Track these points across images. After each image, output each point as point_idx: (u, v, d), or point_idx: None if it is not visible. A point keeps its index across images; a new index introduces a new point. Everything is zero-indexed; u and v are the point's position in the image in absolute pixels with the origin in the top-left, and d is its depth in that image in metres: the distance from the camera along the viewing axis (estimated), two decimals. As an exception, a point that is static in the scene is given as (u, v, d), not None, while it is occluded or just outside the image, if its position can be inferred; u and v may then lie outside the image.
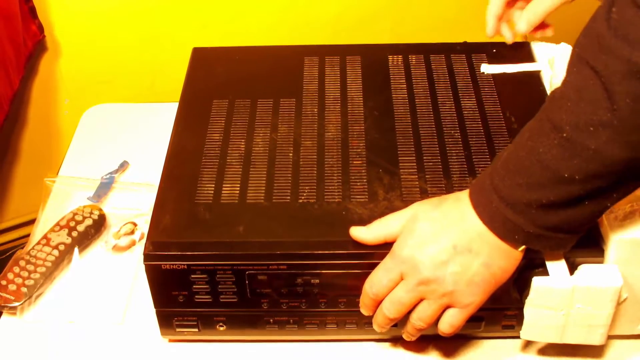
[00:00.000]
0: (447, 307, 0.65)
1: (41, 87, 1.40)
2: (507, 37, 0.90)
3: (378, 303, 0.66)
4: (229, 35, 1.40)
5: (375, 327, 0.68)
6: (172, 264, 0.68)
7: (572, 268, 0.66)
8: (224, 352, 0.75)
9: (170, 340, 0.77)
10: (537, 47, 0.90)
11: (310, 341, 0.76)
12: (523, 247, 0.63)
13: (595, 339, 0.68)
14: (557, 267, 0.66)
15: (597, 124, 0.54)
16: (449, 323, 0.65)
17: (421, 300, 0.65)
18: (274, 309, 0.71)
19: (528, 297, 0.66)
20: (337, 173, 0.75)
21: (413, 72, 0.88)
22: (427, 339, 0.75)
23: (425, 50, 0.92)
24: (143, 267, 0.68)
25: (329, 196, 0.72)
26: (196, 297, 0.70)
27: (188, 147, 0.79)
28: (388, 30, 1.50)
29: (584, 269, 0.66)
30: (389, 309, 0.65)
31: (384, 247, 0.67)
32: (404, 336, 0.69)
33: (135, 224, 0.87)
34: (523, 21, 0.87)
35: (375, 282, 0.65)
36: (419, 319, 0.65)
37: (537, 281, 0.65)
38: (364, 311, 0.68)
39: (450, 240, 0.63)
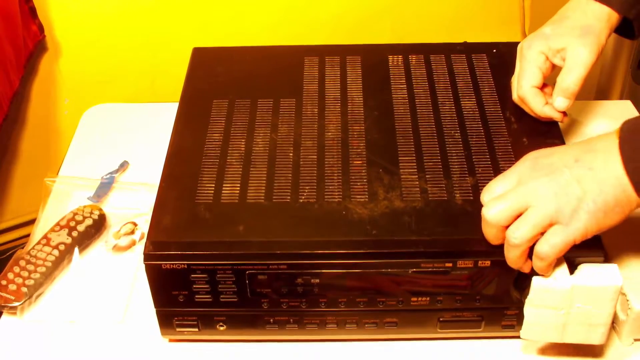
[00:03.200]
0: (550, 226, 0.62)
1: (41, 87, 1.40)
2: (557, 116, 0.80)
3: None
4: (229, 35, 1.40)
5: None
6: (172, 264, 0.68)
7: (572, 267, 0.66)
8: (224, 352, 0.75)
9: (171, 340, 0.77)
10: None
11: (310, 341, 0.76)
12: None
13: (596, 338, 0.68)
14: (557, 266, 0.66)
15: None
16: (546, 240, 0.62)
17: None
18: (274, 309, 0.71)
19: (528, 297, 0.66)
20: (337, 173, 0.75)
21: (413, 72, 0.88)
22: (427, 340, 0.75)
23: (425, 50, 0.92)
24: (143, 266, 0.68)
25: (329, 196, 0.72)
26: (196, 296, 0.70)
27: (188, 147, 0.79)
28: (388, 30, 1.50)
29: (583, 268, 0.66)
30: (488, 210, 0.64)
31: (387, 247, 0.67)
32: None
33: (135, 224, 0.87)
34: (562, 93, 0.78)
35: (491, 185, 0.66)
36: (516, 228, 0.63)
37: (537, 281, 0.65)
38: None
39: (573, 154, 0.62)
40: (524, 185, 0.63)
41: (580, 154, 0.62)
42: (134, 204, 0.90)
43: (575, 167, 0.62)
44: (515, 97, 0.82)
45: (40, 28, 1.32)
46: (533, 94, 0.80)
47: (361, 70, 0.89)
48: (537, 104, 0.80)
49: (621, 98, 1.45)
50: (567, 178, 0.62)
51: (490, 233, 0.65)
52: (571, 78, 0.78)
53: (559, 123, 0.81)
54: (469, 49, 0.92)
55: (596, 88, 1.51)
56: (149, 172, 0.90)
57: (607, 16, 0.78)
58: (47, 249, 0.82)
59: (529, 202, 0.62)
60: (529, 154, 0.66)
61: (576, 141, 0.66)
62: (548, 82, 0.82)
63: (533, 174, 0.63)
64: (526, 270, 0.66)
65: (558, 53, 0.80)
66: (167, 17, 1.37)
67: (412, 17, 1.50)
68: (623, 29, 0.82)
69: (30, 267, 0.81)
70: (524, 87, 0.80)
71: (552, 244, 0.62)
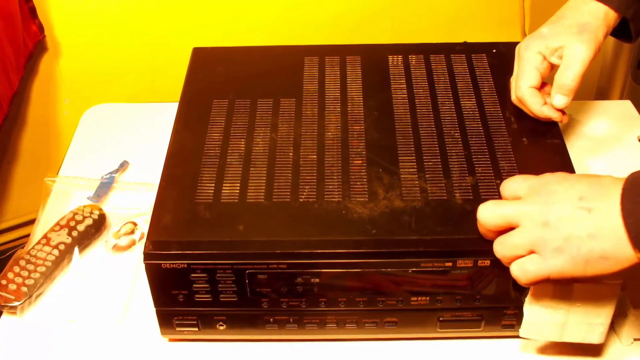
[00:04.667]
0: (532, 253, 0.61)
1: (41, 87, 1.40)
2: (556, 116, 0.80)
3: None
4: (229, 35, 1.41)
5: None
6: (172, 263, 0.68)
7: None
8: (224, 352, 0.75)
9: (170, 340, 0.77)
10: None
11: (310, 341, 0.76)
12: None
13: (594, 338, 0.68)
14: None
15: None
16: (520, 265, 0.61)
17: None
18: (273, 308, 0.71)
19: (528, 296, 0.66)
20: (337, 172, 0.75)
21: (413, 72, 0.88)
22: (427, 339, 0.75)
23: (425, 50, 0.92)
24: (143, 266, 0.68)
25: (328, 195, 0.72)
26: (196, 296, 0.70)
27: (188, 147, 0.79)
28: (388, 30, 1.50)
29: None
30: (482, 210, 0.64)
31: (387, 246, 0.67)
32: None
33: (135, 224, 0.87)
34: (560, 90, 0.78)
35: (512, 178, 0.65)
36: (499, 243, 0.62)
37: (537, 280, 0.65)
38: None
39: (580, 189, 0.59)
40: (523, 204, 0.62)
41: (586, 192, 0.59)
42: (134, 204, 0.90)
43: (576, 205, 0.59)
44: (513, 98, 0.82)
45: (40, 28, 1.32)
46: (531, 94, 0.79)
47: (361, 70, 0.89)
48: (535, 104, 0.79)
49: (621, 98, 1.45)
50: (563, 214, 0.59)
51: (480, 229, 0.65)
52: (569, 75, 0.78)
53: (559, 123, 0.81)
54: (468, 49, 0.92)
55: (596, 88, 1.51)
56: (149, 172, 0.90)
57: (604, 14, 0.78)
58: (47, 248, 0.83)
59: (519, 221, 0.61)
60: (547, 175, 0.63)
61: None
62: (547, 82, 0.82)
63: (536, 198, 0.61)
64: None
65: (555, 52, 0.80)
66: (167, 17, 1.37)
67: (412, 17, 1.50)
68: (620, 32, 0.82)
69: (30, 267, 0.81)
70: (522, 87, 0.80)
71: (524, 270, 0.61)
